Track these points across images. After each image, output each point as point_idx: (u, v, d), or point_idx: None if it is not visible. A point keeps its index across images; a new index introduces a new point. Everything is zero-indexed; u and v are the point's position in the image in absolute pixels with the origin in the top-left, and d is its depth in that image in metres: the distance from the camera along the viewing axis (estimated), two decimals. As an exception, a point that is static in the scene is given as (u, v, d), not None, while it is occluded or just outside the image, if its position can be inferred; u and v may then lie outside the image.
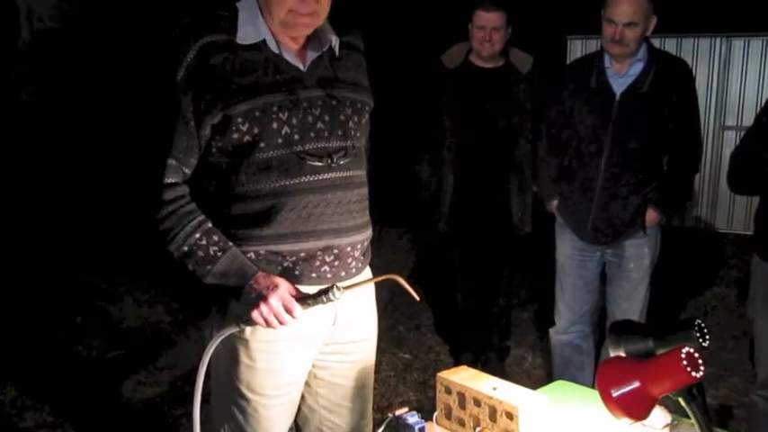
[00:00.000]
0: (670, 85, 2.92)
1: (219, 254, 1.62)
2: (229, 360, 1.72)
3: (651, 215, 3.03)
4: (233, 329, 1.61)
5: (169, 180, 1.61)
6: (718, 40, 7.53)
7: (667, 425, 1.68)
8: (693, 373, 1.25)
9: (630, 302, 3.10)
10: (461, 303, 3.88)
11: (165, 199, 1.61)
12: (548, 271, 3.44)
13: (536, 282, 4.84)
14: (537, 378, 3.85)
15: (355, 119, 1.72)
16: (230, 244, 1.64)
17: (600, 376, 1.36)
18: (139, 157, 1.68)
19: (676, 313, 5.04)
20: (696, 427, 1.29)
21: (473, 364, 3.15)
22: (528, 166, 3.55)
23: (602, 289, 3.29)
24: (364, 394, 1.92)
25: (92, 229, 6.06)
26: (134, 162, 1.73)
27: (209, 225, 1.64)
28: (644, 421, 1.37)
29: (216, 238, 1.63)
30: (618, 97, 2.93)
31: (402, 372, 4.02)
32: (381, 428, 1.67)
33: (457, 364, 3.15)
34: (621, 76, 2.94)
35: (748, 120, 7.02)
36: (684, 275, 5.89)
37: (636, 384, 1.31)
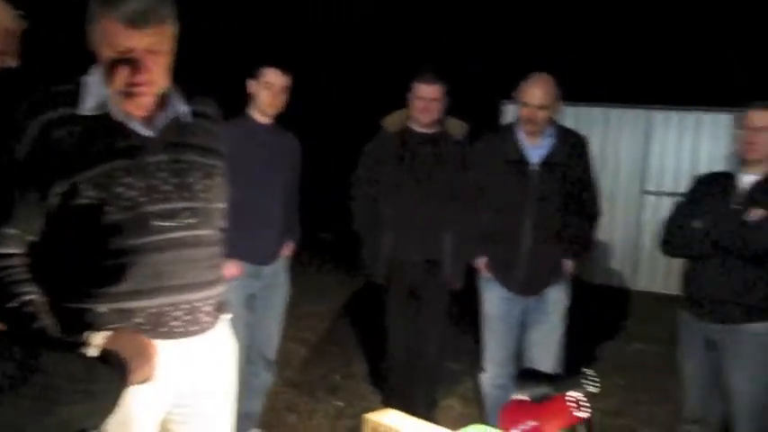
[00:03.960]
0: (574, 154, 3.42)
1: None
2: None
3: (568, 265, 3.47)
4: None
5: (4, 251, 1.69)
6: (640, 112, 8.09)
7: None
8: (578, 414, 1.48)
9: (548, 345, 3.47)
10: (394, 353, 4.05)
11: None
12: (476, 323, 3.69)
13: (466, 334, 5.08)
14: (464, 425, 4.04)
15: (205, 181, 1.82)
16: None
17: (503, 417, 1.59)
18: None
19: (595, 367, 5.33)
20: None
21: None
22: (461, 226, 3.82)
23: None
24: None
25: None
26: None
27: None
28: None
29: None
30: (534, 167, 3.36)
31: (334, 419, 4.16)
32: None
33: (388, 411, 3.33)
34: (536, 148, 3.37)
35: (667, 185, 7.53)
36: (605, 331, 6.23)
37: (533, 424, 1.54)
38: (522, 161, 3.38)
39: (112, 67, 1.68)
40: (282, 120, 3.58)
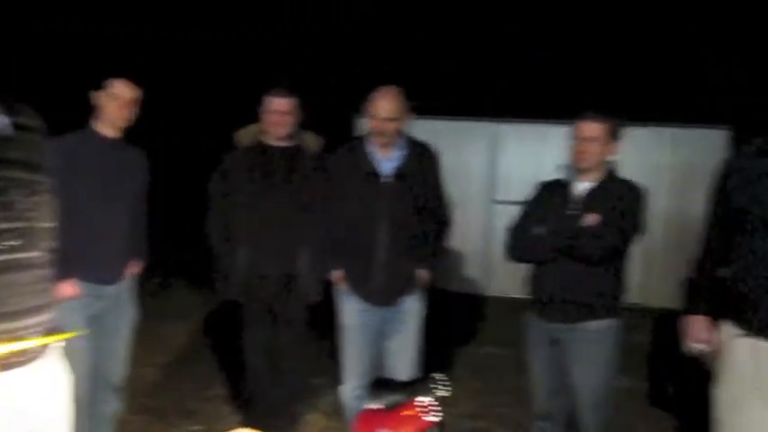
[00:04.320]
0: (425, 165, 3.52)
1: None
2: None
3: (423, 275, 3.53)
4: None
5: None
6: (488, 125, 8.46)
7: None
8: (427, 419, 1.51)
9: (406, 353, 3.52)
10: (253, 372, 3.98)
11: None
12: (333, 336, 3.69)
13: (328, 348, 5.05)
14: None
15: (30, 199, 1.73)
16: None
17: (356, 427, 1.59)
18: None
19: (451, 372, 5.50)
20: (432, 463, 1.54)
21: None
22: (317, 239, 3.81)
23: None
24: None
25: None
26: None
27: None
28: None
29: None
30: (386, 179, 3.42)
31: (192, 443, 4.02)
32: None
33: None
34: (387, 160, 3.42)
35: (515, 195, 7.88)
36: (460, 337, 6.44)
37: (386, 431, 1.55)
38: (374, 173, 3.42)
39: None
40: (131, 135, 3.44)
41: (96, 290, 3.29)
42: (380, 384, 1.71)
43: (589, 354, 3.12)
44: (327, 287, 3.72)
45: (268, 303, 3.85)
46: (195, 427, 4.22)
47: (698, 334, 2.76)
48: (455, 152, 8.36)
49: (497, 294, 8.13)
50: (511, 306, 7.38)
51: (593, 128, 3.09)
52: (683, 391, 4.51)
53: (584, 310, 3.10)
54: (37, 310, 1.74)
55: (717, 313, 2.75)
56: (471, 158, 8.43)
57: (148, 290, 7.33)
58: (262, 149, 3.81)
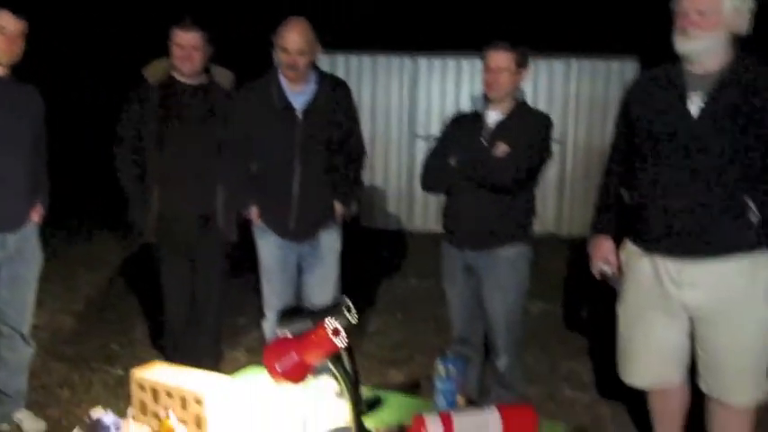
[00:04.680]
0: (338, 100, 3.47)
1: None
2: None
3: (339, 208, 3.53)
4: None
5: None
6: (406, 60, 8.42)
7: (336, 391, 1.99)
8: (336, 342, 1.54)
9: (325, 287, 3.52)
10: (173, 313, 3.94)
11: None
12: (257, 274, 3.67)
13: (249, 286, 5.06)
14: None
15: None
16: None
17: (267, 354, 1.61)
18: None
19: (376, 306, 5.61)
20: (342, 385, 1.58)
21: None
22: (231, 177, 3.75)
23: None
24: None
25: None
26: None
27: None
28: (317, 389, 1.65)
29: None
30: (299, 113, 3.36)
31: (114, 387, 3.98)
32: (75, 430, 1.75)
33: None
34: (299, 94, 3.36)
35: (435, 129, 7.98)
36: (384, 272, 6.55)
37: (294, 357, 1.57)
38: (286, 108, 3.36)
39: None
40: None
41: None
42: (288, 312, 1.73)
43: (500, 278, 3.22)
44: (246, 225, 3.69)
45: (184, 244, 3.80)
46: (118, 372, 4.18)
47: (603, 254, 2.89)
48: (374, 88, 8.36)
49: (419, 229, 8.26)
50: (434, 239, 7.38)
51: (501, 57, 3.12)
52: (596, 314, 4.72)
53: (495, 237, 3.19)
54: None
55: (621, 234, 2.88)
56: (391, 94, 8.41)
57: (62, 237, 7.20)
58: (172, 86, 3.69)
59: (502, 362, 3.33)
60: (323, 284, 3.54)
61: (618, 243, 2.89)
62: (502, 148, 3.12)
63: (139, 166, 3.71)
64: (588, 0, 10.78)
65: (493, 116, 3.24)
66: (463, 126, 3.32)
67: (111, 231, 7.59)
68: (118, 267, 6.57)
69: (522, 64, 3.16)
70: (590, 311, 5.35)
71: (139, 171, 3.72)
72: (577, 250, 4.41)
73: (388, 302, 5.72)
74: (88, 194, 9.10)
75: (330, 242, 3.57)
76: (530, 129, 3.19)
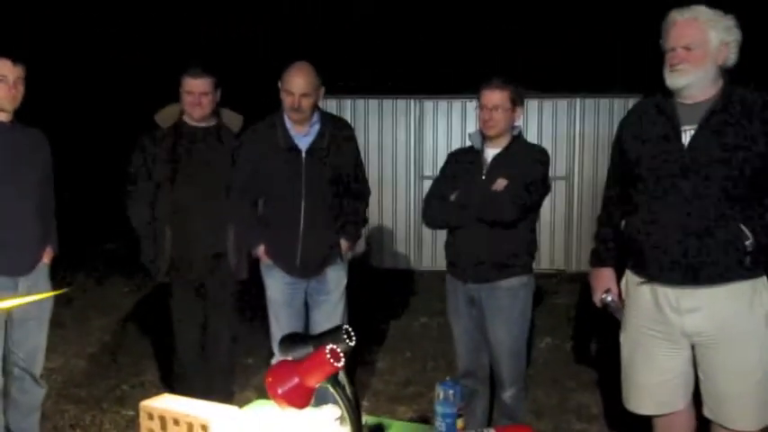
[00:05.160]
0: (341, 140, 3.58)
1: None
2: None
3: (344, 245, 3.62)
4: None
5: None
6: (412, 101, 8.58)
7: (338, 417, 2.02)
8: (335, 364, 1.59)
9: (333, 322, 3.52)
10: (184, 353, 3.99)
11: None
12: (266, 316, 3.72)
13: (260, 327, 5.10)
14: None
15: None
16: None
17: (269, 380, 1.66)
18: None
19: (386, 343, 5.63)
20: (341, 406, 1.63)
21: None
22: (240, 216, 3.83)
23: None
24: None
25: None
26: None
27: None
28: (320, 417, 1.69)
29: None
30: (304, 153, 3.47)
31: (125, 428, 4.01)
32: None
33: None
34: (304, 135, 3.48)
35: (441, 170, 8.11)
36: (394, 310, 6.57)
37: (295, 380, 1.62)
38: (291, 149, 3.47)
39: None
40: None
41: (11, 282, 3.19)
42: (288, 338, 1.78)
43: (503, 309, 3.26)
44: (255, 265, 3.76)
45: (196, 285, 3.87)
46: (129, 413, 4.21)
47: (604, 284, 2.93)
48: (381, 130, 8.51)
49: (427, 268, 8.31)
50: (441, 278, 7.39)
51: (496, 96, 3.22)
52: (605, 348, 4.73)
53: (496, 269, 3.24)
54: None
55: (621, 264, 2.92)
56: (397, 136, 8.55)
57: (79, 283, 7.30)
58: (182, 130, 3.81)
59: (507, 393, 3.35)
60: (330, 320, 3.57)
61: (619, 272, 2.93)
62: (500, 183, 3.19)
63: (151, 207, 3.83)
64: (590, 41, 10.98)
65: (490, 152, 3.32)
66: (462, 162, 3.40)
67: (122, 276, 7.69)
68: (129, 311, 6.63)
69: (516, 101, 3.25)
70: (599, 345, 5.35)
71: (151, 213, 3.83)
72: (585, 286, 4.45)
73: (396, 340, 5.74)
74: (99, 239, 9.24)
75: (337, 278, 3.63)
76: (527, 162, 3.26)
